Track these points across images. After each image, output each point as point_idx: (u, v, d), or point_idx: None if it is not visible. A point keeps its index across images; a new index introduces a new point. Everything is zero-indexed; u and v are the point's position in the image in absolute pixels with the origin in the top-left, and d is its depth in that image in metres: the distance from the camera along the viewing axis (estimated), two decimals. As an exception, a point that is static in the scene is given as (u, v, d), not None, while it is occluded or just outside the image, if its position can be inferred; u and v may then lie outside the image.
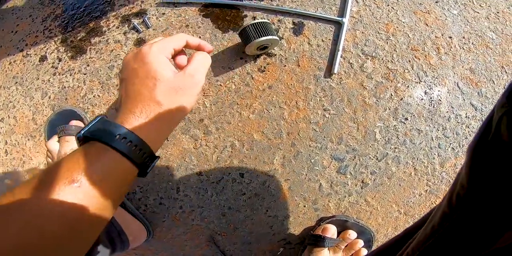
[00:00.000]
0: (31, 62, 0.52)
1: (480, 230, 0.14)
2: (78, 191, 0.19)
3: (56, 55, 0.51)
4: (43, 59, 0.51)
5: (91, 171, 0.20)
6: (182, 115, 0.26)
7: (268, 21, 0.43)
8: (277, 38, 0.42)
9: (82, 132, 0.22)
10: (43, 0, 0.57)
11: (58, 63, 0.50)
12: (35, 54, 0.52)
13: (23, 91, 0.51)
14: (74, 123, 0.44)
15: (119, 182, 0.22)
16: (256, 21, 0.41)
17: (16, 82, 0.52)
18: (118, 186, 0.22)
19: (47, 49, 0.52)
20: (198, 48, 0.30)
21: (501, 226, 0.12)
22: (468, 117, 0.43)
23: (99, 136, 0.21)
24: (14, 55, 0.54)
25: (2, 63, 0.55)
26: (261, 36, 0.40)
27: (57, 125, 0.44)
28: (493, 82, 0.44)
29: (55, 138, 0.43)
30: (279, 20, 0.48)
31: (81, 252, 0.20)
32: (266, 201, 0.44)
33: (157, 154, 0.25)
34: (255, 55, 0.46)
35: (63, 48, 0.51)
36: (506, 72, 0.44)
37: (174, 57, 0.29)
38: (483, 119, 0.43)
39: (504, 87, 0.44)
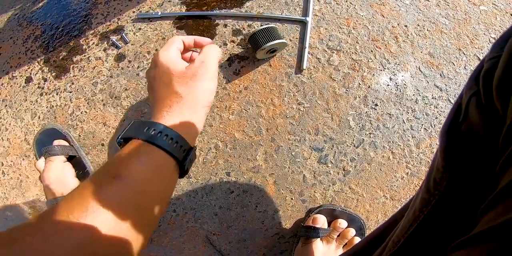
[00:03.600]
0: (17, 84, 0.55)
1: (459, 213, 0.14)
2: (121, 186, 0.19)
3: (41, 75, 0.53)
4: (28, 80, 0.54)
5: (134, 165, 0.20)
6: (206, 99, 0.27)
7: (275, 26, 0.45)
8: (285, 41, 0.44)
9: (120, 136, 0.23)
10: (21, 22, 0.60)
11: (44, 83, 0.53)
12: (21, 75, 0.55)
13: (13, 113, 0.54)
14: (56, 142, 0.46)
15: (161, 177, 0.22)
16: (263, 26, 0.43)
17: (6, 105, 0.55)
18: (160, 180, 0.22)
19: (31, 70, 0.54)
20: (197, 45, 0.32)
21: (478, 209, 0.12)
22: (435, 98, 0.46)
23: (136, 135, 0.22)
24: (0, 78, 0.57)
25: (-9, 88, 0.57)
26: (270, 41, 0.42)
27: (44, 143, 0.46)
28: (453, 63, 0.46)
29: (42, 158, 0.45)
30: (248, 25, 0.51)
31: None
32: (254, 197, 0.46)
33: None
34: (264, 58, 0.48)
35: (47, 68, 0.54)
36: (464, 54, 0.47)
37: (182, 55, 0.31)
38: (449, 98, 0.46)
39: (464, 68, 0.47)
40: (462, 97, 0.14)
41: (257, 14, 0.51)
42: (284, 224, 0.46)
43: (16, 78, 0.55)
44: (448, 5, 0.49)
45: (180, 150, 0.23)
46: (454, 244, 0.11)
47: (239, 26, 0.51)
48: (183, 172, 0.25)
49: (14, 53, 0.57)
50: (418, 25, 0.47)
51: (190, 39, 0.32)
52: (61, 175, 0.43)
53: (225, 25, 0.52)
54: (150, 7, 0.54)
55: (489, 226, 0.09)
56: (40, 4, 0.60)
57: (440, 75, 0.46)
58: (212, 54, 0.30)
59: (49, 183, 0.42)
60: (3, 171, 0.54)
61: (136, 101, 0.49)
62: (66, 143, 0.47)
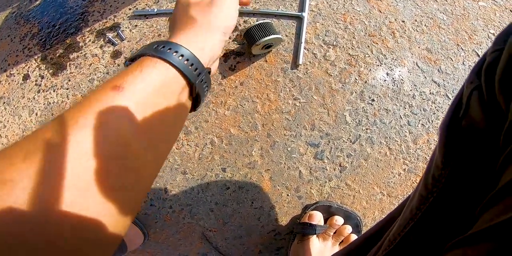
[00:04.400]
0: (15, 81, 0.55)
1: (457, 211, 0.14)
2: (121, 96, 0.17)
3: (38, 72, 0.54)
4: (26, 77, 0.54)
5: (138, 79, 0.18)
6: (222, 24, 0.26)
7: (270, 21, 0.45)
8: (281, 36, 0.44)
9: (129, 58, 0.21)
10: (18, 20, 0.60)
11: (41, 81, 0.53)
12: (18, 73, 0.55)
13: (11, 111, 0.54)
14: None
15: (169, 97, 0.20)
16: (258, 22, 0.43)
17: (4, 102, 0.55)
18: (168, 100, 0.20)
19: (28, 67, 0.55)
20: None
21: (477, 207, 0.11)
22: (433, 93, 0.45)
23: (144, 51, 0.20)
24: (-1, 76, 0.57)
25: (-11, 86, 0.58)
26: (265, 36, 0.42)
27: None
28: (451, 59, 0.46)
29: None
30: (244, 21, 0.51)
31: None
32: (250, 193, 0.46)
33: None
34: (260, 54, 0.47)
35: (44, 66, 0.54)
36: (462, 49, 0.46)
37: None
38: (447, 94, 0.45)
39: (462, 63, 0.46)
40: (462, 91, 0.14)
41: (253, 10, 0.51)
42: (280, 220, 0.46)
43: (14, 76, 0.55)
44: (446, 1, 0.48)
45: (191, 68, 0.21)
46: (451, 243, 0.11)
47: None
48: (195, 100, 0.23)
49: (12, 51, 0.57)
50: (416, 21, 0.47)
51: None
52: None
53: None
54: (146, 4, 0.54)
55: (488, 225, 0.09)
56: (37, 2, 0.61)
57: (438, 70, 0.45)
58: None
59: None
60: (1, 167, 0.54)
61: (132, 97, 0.49)
62: None
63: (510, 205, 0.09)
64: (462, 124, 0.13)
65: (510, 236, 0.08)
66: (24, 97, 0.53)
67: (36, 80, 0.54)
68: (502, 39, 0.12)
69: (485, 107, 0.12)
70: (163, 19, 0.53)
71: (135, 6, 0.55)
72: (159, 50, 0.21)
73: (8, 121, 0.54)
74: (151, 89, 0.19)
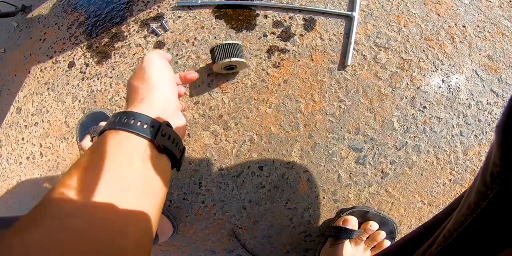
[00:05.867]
0: (60, 68, 0.56)
1: None
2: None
3: (83, 60, 0.55)
4: (71, 65, 0.55)
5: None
6: (159, 81, 0.27)
7: (238, 43, 0.44)
8: (244, 61, 0.44)
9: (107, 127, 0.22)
10: (66, 8, 0.61)
11: (86, 68, 0.54)
12: (64, 60, 0.57)
13: (55, 96, 0.56)
14: (103, 124, 0.47)
15: (134, 160, 0.21)
16: (226, 42, 0.43)
17: (48, 88, 0.57)
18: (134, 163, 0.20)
19: (74, 55, 0.56)
20: (184, 78, 0.34)
21: None
22: (490, 104, 0.42)
23: (110, 125, 0.22)
24: (44, 62, 0.59)
25: (33, 70, 0.60)
26: (226, 58, 0.42)
27: (88, 126, 0.47)
28: (514, 67, 0.43)
29: (88, 138, 0.46)
30: (290, 17, 0.49)
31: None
32: (285, 193, 0.45)
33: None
34: (221, 73, 0.47)
35: (89, 54, 0.55)
36: (526, 57, 0.43)
37: None
38: (505, 105, 0.42)
39: (525, 72, 0.43)
40: None
41: (299, 6, 0.49)
42: (313, 222, 0.45)
43: (60, 63, 0.57)
44: (511, 7, 0.45)
45: (145, 127, 0.22)
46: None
47: (280, 17, 0.50)
48: (170, 155, 0.23)
49: (59, 38, 0.58)
50: (478, 26, 0.44)
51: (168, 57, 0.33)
52: None
53: (266, 16, 0.50)
54: (190, -4, 0.54)
55: None
56: (84, -10, 0.61)
57: (498, 79, 0.43)
58: (152, 62, 0.29)
59: None
60: (41, 152, 0.56)
61: (174, 90, 0.49)
62: None
63: None
64: None
65: None
66: (68, 83, 0.55)
67: (81, 68, 0.55)
68: None
69: None
70: (206, 11, 0.52)
71: (178, -3, 0.54)
72: (112, 122, 0.22)
73: (51, 107, 0.56)
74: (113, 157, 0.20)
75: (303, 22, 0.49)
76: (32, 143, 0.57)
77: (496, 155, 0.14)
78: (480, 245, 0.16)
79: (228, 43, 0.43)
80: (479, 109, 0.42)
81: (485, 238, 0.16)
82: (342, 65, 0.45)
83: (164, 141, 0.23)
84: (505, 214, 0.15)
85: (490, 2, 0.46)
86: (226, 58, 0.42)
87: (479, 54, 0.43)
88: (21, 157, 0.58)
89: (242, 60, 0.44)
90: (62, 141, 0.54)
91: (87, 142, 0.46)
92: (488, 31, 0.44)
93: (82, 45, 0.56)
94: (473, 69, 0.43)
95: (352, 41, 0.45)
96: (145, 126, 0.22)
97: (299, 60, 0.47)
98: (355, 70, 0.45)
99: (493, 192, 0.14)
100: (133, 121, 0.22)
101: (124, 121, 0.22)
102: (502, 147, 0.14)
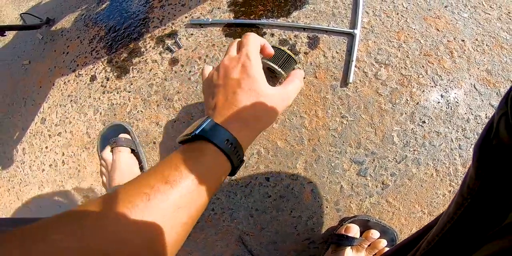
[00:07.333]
0: (83, 81, 0.61)
1: (489, 213, 0.16)
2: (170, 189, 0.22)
3: (104, 74, 0.59)
4: (93, 78, 0.60)
5: (196, 164, 0.23)
6: (268, 126, 0.30)
7: (296, 59, 0.45)
8: (284, 74, 0.45)
9: (197, 131, 0.25)
10: (87, 22, 0.65)
11: (106, 82, 0.58)
12: (86, 74, 0.61)
13: (77, 108, 0.60)
14: (123, 136, 0.51)
15: (218, 179, 0.25)
16: (289, 53, 0.44)
17: (71, 100, 0.61)
18: (215, 181, 0.24)
19: (96, 69, 0.60)
20: (263, 49, 0.34)
21: (505, 210, 0.15)
22: (488, 118, 0.44)
23: (210, 136, 0.24)
24: (67, 75, 0.63)
25: (57, 83, 0.64)
26: (276, 64, 0.44)
27: (108, 138, 0.51)
28: (512, 82, 0.44)
29: (108, 148, 0.50)
30: (295, 36, 0.52)
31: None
32: (290, 202, 0.48)
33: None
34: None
35: (109, 68, 0.59)
36: (525, 72, 0.44)
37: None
38: (504, 119, 0.44)
39: (524, 87, 0.44)
40: (495, 116, 0.15)
41: (304, 25, 0.52)
42: (316, 230, 0.47)
43: (82, 76, 0.61)
44: (510, 19, 0.46)
45: (237, 158, 0.26)
46: (486, 236, 0.13)
47: (285, 36, 0.52)
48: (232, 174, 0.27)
49: (81, 52, 0.63)
50: (477, 40, 0.46)
51: (262, 42, 0.34)
52: (129, 165, 0.48)
53: (272, 34, 0.53)
54: (201, 13, 0.57)
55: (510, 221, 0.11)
56: (104, 6, 0.66)
57: (497, 93, 0.44)
58: (298, 89, 0.32)
59: (118, 171, 0.46)
60: (63, 160, 0.60)
61: (187, 104, 0.53)
62: (130, 138, 0.52)
63: None
64: (493, 143, 0.15)
65: None
66: (90, 96, 0.59)
67: (102, 82, 0.59)
68: None
69: (510, 131, 0.14)
70: (216, 29, 0.56)
71: (190, 15, 0.58)
72: (224, 144, 0.25)
73: (74, 118, 0.60)
74: (207, 175, 0.23)
75: (307, 40, 0.51)
76: (55, 152, 0.62)
77: (473, 170, 0.16)
78: (457, 248, 0.18)
79: (291, 56, 0.44)
80: (478, 123, 0.44)
81: (461, 241, 0.18)
82: (345, 82, 0.48)
83: (238, 169, 0.27)
84: (477, 221, 0.17)
85: (489, 14, 0.47)
86: (275, 64, 0.44)
87: (478, 68, 0.45)
88: (44, 164, 0.63)
89: (282, 73, 0.45)
90: (83, 151, 0.58)
91: (107, 153, 0.50)
92: (486, 44, 0.45)
93: (102, 60, 0.60)
94: (471, 84, 0.45)
95: (354, 58, 0.48)
96: (237, 156, 0.26)
97: (303, 78, 0.50)
98: (356, 87, 0.47)
99: (468, 202, 0.17)
100: (234, 149, 0.25)
101: (228, 145, 0.25)
102: (478, 163, 0.16)
